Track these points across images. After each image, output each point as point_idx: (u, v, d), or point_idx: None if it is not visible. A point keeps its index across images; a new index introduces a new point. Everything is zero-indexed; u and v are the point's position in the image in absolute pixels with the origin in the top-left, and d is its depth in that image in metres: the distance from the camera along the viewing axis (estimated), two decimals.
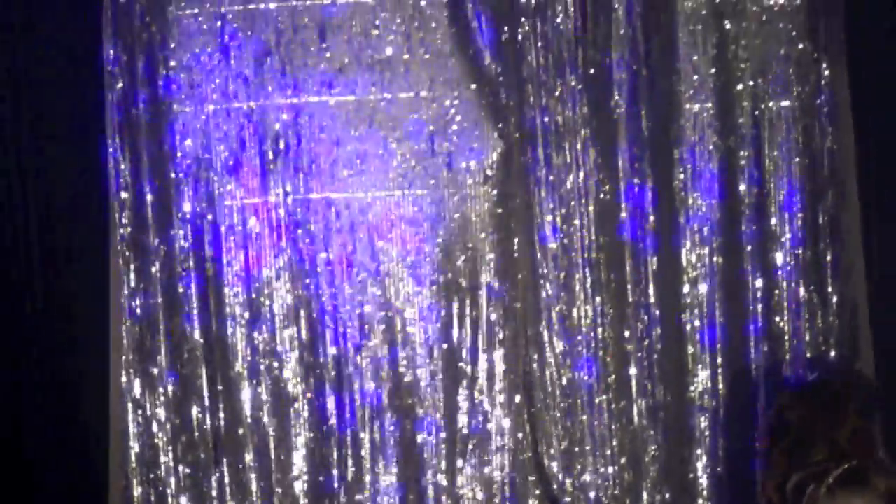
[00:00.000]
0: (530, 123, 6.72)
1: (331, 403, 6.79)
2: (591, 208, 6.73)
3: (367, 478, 6.80)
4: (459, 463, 6.80)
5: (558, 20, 6.65)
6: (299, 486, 6.85)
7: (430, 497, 6.78)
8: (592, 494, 6.79)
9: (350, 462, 6.77)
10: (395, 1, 6.65)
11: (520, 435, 6.71)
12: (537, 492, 6.86)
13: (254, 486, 6.84)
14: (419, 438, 6.81)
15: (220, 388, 6.83)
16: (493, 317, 6.84)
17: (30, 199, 6.63)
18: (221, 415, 6.82)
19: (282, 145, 6.78)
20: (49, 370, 6.62)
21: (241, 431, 6.82)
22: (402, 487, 6.80)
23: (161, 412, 6.80)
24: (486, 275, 6.79)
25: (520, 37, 6.62)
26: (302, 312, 6.83)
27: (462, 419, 6.79)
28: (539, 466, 6.88)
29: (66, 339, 6.62)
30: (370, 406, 6.82)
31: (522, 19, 6.63)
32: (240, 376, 6.84)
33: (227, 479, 6.81)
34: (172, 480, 6.80)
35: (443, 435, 6.80)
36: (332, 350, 6.82)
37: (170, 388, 6.82)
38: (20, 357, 6.60)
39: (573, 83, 6.67)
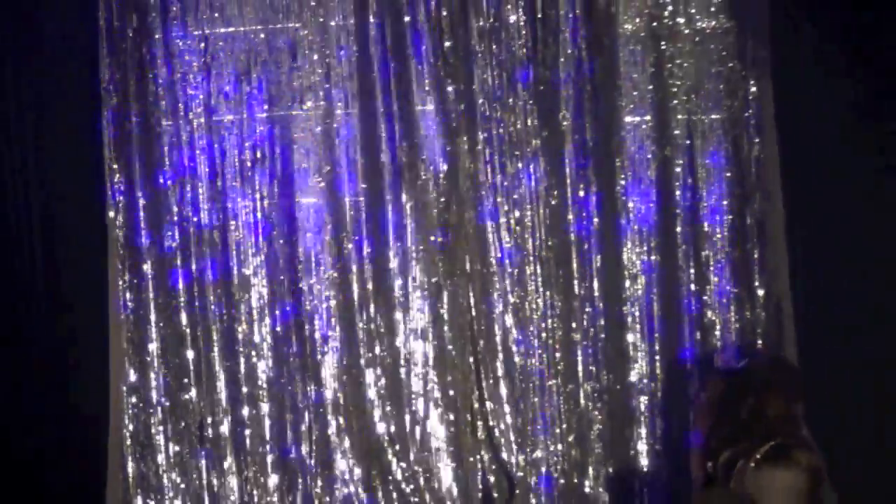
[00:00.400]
0: (487, 134, 7.10)
1: (299, 389, 7.20)
2: (540, 212, 7.11)
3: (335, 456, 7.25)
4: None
5: (511, 42, 7.04)
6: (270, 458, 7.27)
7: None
8: (543, 469, 7.16)
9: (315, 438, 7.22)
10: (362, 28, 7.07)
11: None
12: (493, 467, 7.25)
13: (229, 462, 7.26)
14: (380, 429, 7.23)
15: (204, 375, 7.24)
16: (448, 308, 7.22)
17: (33, 204, 7.07)
18: (206, 399, 7.25)
19: (258, 154, 7.22)
20: (53, 359, 7.03)
21: (221, 414, 7.26)
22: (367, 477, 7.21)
23: (153, 396, 7.24)
24: (443, 271, 7.18)
25: (478, 57, 7.04)
26: (276, 305, 7.24)
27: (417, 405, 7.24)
28: (494, 447, 7.25)
29: (68, 330, 7.04)
30: (333, 392, 7.23)
31: (478, 43, 7.04)
32: (221, 363, 7.27)
33: (210, 457, 7.24)
34: (161, 458, 7.26)
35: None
36: (305, 338, 7.22)
37: (161, 374, 7.27)
38: (28, 345, 7.00)
39: (525, 98, 7.07)
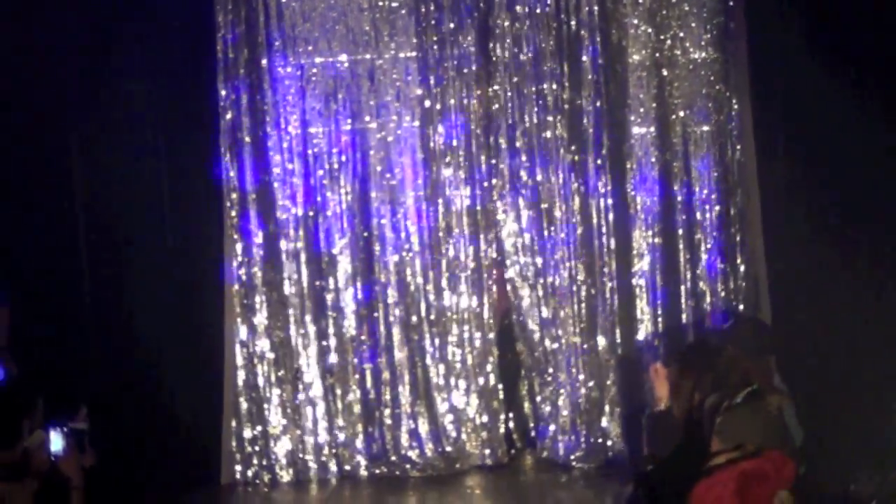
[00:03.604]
0: (524, 139, 8.04)
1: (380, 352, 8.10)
2: (567, 204, 8.04)
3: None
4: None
5: (544, 69, 7.99)
6: (356, 409, 8.13)
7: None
8: (568, 407, 8.06)
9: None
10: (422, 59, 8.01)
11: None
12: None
13: (320, 403, 8.13)
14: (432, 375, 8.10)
15: (301, 332, 8.12)
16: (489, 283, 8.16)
17: (165, 201, 7.89)
18: (301, 352, 8.13)
19: (343, 158, 8.10)
20: (183, 320, 7.89)
21: (315, 364, 8.12)
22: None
23: (259, 349, 8.11)
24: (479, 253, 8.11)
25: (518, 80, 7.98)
26: (358, 279, 8.14)
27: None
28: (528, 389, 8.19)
29: (194, 297, 7.91)
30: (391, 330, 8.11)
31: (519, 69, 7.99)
32: (314, 324, 8.12)
33: (307, 399, 8.14)
34: (266, 397, 8.13)
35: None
36: (380, 304, 8.12)
37: (266, 332, 8.12)
38: (162, 311, 7.84)
39: (555, 113, 8.02)
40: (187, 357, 7.92)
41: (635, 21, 8.02)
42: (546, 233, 8.13)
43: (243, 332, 8.16)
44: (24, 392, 5.47)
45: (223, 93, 8.04)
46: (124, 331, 7.86)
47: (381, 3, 8.04)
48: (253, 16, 8.00)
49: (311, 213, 8.18)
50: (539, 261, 8.15)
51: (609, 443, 8.12)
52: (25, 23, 7.70)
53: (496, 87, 8.09)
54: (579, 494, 7.88)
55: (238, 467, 8.13)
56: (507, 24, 8.01)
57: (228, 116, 8.07)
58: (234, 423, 8.12)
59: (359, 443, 8.19)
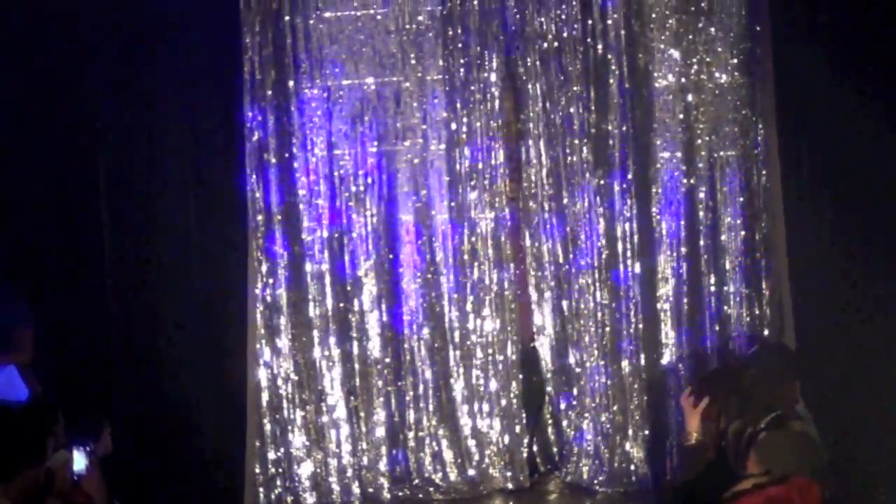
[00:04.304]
0: (551, 164, 8.06)
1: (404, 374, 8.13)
2: (593, 227, 8.02)
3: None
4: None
5: (572, 94, 7.99)
6: (380, 432, 8.16)
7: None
8: (592, 431, 8.05)
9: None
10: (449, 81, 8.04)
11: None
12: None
13: (344, 426, 8.14)
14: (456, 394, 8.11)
15: (325, 354, 8.13)
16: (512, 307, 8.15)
17: (191, 221, 7.86)
18: (325, 374, 8.15)
19: (369, 180, 8.13)
20: (207, 341, 7.86)
21: (339, 386, 8.12)
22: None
23: (283, 371, 8.12)
24: (503, 276, 8.12)
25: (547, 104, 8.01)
26: (383, 301, 8.15)
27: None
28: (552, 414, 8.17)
29: (218, 318, 7.87)
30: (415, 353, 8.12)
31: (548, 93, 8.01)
32: (338, 346, 8.13)
33: (330, 421, 8.14)
34: (289, 419, 8.13)
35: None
36: (405, 326, 8.12)
37: (290, 354, 8.14)
38: (189, 330, 7.82)
39: (581, 137, 8.03)
40: (211, 378, 7.90)
41: (662, 45, 8.01)
42: (571, 256, 8.13)
43: (267, 353, 8.17)
44: (47, 411, 5.42)
45: (250, 114, 8.06)
46: (148, 351, 7.85)
47: (408, 26, 8.06)
48: (280, 38, 8.03)
49: (336, 235, 8.19)
50: (564, 284, 8.14)
51: (633, 467, 8.09)
52: (56, 42, 7.76)
53: (522, 110, 8.12)
54: None
55: (262, 489, 8.10)
56: (534, 47, 8.03)
57: (255, 138, 8.08)
58: (257, 445, 8.09)
59: (382, 465, 8.19)
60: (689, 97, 8.03)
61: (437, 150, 8.16)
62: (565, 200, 8.12)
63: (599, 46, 8.00)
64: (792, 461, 4.73)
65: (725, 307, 8.07)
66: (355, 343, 8.20)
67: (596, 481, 8.11)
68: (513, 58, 8.07)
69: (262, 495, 8.11)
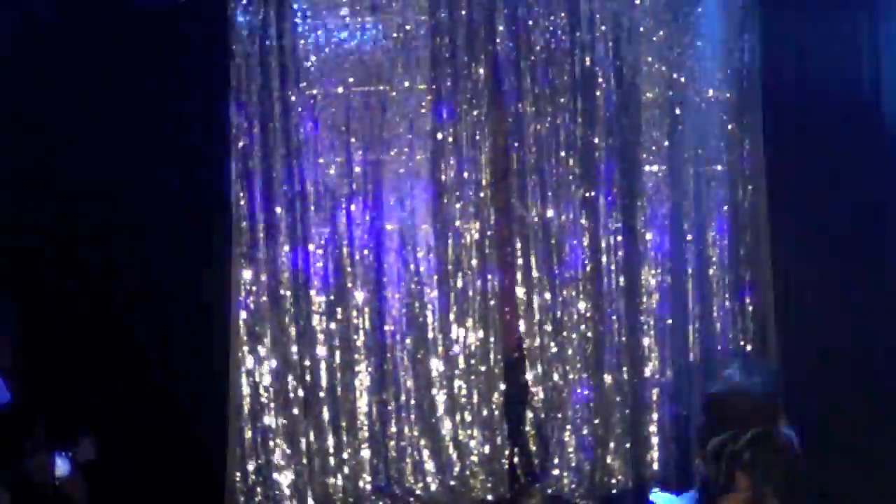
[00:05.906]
0: (536, 177, 8.03)
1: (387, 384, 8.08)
2: (578, 239, 8.02)
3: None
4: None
5: (559, 106, 7.99)
6: (361, 442, 8.12)
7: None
8: (573, 444, 8.04)
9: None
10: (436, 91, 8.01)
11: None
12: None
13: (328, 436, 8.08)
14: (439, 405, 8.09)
15: (307, 363, 8.08)
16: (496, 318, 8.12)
17: (174, 227, 7.82)
18: (308, 381, 8.07)
19: (355, 188, 8.09)
20: (189, 350, 7.81)
21: (321, 395, 8.07)
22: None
23: (265, 379, 8.07)
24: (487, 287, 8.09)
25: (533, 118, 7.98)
26: (366, 310, 8.11)
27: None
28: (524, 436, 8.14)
29: (198, 325, 7.83)
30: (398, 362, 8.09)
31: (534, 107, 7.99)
32: (322, 355, 8.08)
33: (311, 430, 8.08)
34: (270, 426, 8.08)
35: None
36: (385, 335, 8.08)
37: (272, 362, 8.09)
38: (171, 338, 7.81)
39: (567, 150, 8.04)
40: (192, 386, 7.86)
41: (649, 59, 8.00)
42: (556, 268, 8.11)
43: (249, 361, 8.13)
44: (24, 412, 5.39)
45: (235, 121, 8.02)
46: (129, 359, 7.82)
47: (395, 35, 8.03)
48: (267, 45, 8.00)
49: (320, 244, 8.15)
50: (548, 296, 8.12)
51: (614, 480, 8.08)
52: (42, 46, 7.76)
53: (509, 121, 8.10)
54: None
55: (242, 498, 8.06)
56: (521, 58, 8.01)
57: (240, 145, 8.05)
58: (238, 453, 8.05)
59: (363, 475, 8.15)
60: (676, 111, 8.03)
61: (422, 160, 8.13)
62: (551, 212, 8.10)
63: (587, 59, 7.99)
64: (779, 478, 4.77)
65: (709, 321, 8.07)
66: (338, 352, 8.17)
67: (577, 494, 8.09)
68: (500, 69, 8.05)
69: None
